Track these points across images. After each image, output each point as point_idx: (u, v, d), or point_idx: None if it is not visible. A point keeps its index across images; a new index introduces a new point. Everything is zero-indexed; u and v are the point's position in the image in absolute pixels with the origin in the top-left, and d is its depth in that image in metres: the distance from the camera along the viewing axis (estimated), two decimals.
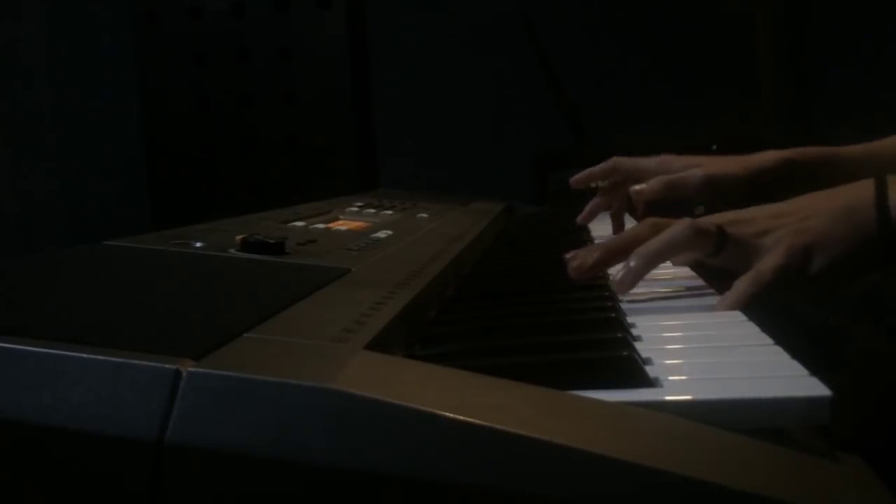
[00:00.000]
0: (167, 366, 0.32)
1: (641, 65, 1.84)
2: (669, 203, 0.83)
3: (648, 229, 0.60)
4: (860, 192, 0.59)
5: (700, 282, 0.64)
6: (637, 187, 0.87)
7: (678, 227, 0.59)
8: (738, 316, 0.51)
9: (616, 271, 0.60)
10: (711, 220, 0.62)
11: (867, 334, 0.61)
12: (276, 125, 1.68)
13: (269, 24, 1.66)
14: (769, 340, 0.44)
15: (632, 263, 0.59)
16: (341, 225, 0.84)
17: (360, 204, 1.02)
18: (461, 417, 0.30)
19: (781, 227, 0.60)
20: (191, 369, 0.31)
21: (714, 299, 0.58)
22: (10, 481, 0.32)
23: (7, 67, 2.12)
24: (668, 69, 1.83)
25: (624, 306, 0.56)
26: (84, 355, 0.32)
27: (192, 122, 1.73)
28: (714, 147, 1.39)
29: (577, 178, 0.97)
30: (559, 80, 1.79)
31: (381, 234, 0.77)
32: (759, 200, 0.66)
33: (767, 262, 0.58)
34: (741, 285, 0.57)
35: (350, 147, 1.66)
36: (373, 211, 0.96)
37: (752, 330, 0.47)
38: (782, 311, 0.67)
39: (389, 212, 0.97)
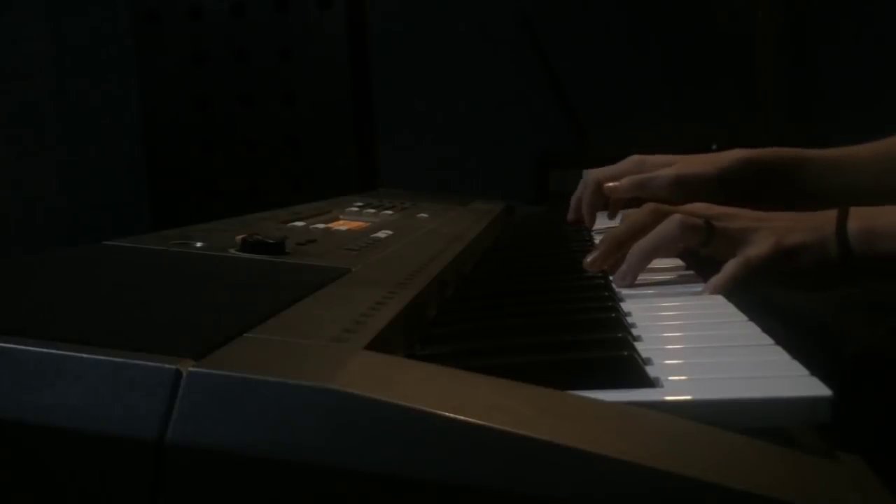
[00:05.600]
0: (167, 366, 0.32)
1: (642, 65, 1.84)
2: (640, 200, 0.85)
3: (648, 216, 0.67)
4: (829, 218, 0.65)
5: (701, 282, 0.64)
6: (610, 184, 0.94)
7: (669, 223, 0.65)
8: (739, 316, 0.51)
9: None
10: (699, 212, 0.68)
11: (867, 334, 0.62)
12: (276, 125, 1.68)
13: (269, 24, 1.66)
14: (769, 340, 0.44)
15: (631, 260, 0.65)
16: (341, 225, 0.84)
17: (360, 204, 1.02)
18: (461, 417, 0.30)
19: (766, 227, 0.65)
20: (191, 369, 0.31)
21: (716, 300, 0.58)
22: (11, 481, 0.32)
23: (7, 67, 2.12)
24: (668, 69, 1.83)
25: (624, 306, 0.56)
26: (84, 355, 0.32)
27: (192, 122, 1.73)
28: (714, 147, 1.39)
29: (571, 214, 1.04)
30: (560, 80, 1.79)
31: (381, 234, 0.77)
32: (730, 198, 0.73)
33: (755, 251, 0.63)
34: (729, 268, 0.63)
35: (350, 147, 1.66)
36: (373, 211, 0.96)
37: (752, 330, 0.47)
38: (783, 312, 0.67)
39: (389, 212, 0.97)
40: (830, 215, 0.65)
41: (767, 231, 0.65)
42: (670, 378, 0.39)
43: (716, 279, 0.63)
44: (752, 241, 0.65)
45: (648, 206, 0.69)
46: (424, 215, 0.98)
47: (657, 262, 0.69)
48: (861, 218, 0.64)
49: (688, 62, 1.82)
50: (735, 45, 1.80)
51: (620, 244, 0.66)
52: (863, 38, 1.72)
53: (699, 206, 0.71)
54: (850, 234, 0.63)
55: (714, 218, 0.67)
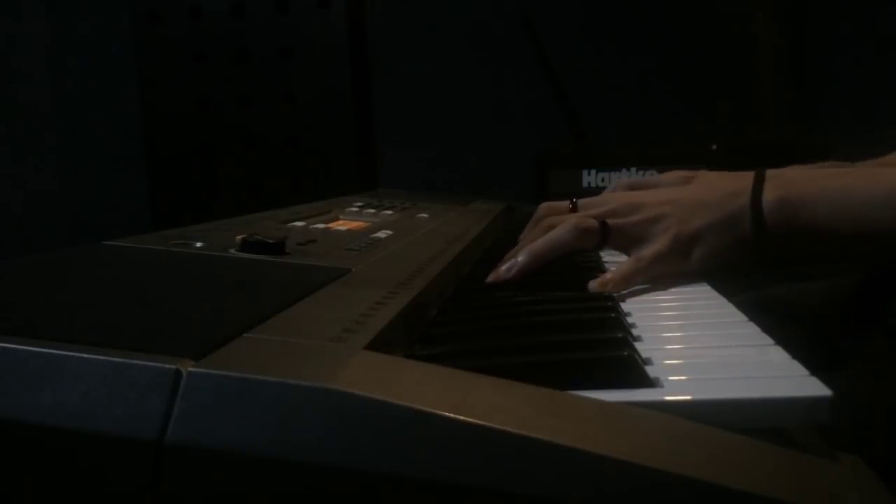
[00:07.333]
0: (167, 366, 0.32)
1: (641, 64, 1.84)
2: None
3: (543, 230, 0.66)
4: (741, 184, 0.62)
5: (702, 283, 0.64)
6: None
7: (561, 228, 0.64)
8: (739, 316, 0.51)
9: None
10: (596, 211, 0.66)
11: (867, 334, 0.61)
12: (276, 125, 1.68)
13: (269, 24, 1.66)
14: (769, 340, 0.44)
15: (519, 259, 0.64)
16: (341, 225, 0.84)
17: (360, 204, 1.02)
18: (461, 417, 0.30)
19: (667, 216, 0.63)
20: (191, 369, 0.31)
21: (716, 300, 0.58)
22: (10, 481, 0.32)
23: (7, 67, 2.12)
24: (668, 69, 1.83)
25: (624, 306, 0.56)
26: (84, 355, 0.32)
27: (192, 122, 1.73)
28: (714, 147, 1.39)
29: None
30: (559, 80, 1.79)
31: (381, 234, 0.77)
32: None
33: (649, 249, 0.62)
34: (622, 267, 0.62)
35: (350, 147, 1.66)
36: (373, 211, 0.96)
37: (752, 330, 0.47)
38: (783, 312, 0.67)
39: (389, 212, 0.97)
40: (746, 183, 0.61)
41: (667, 222, 0.63)
42: (670, 378, 0.39)
43: (604, 277, 0.62)
44: (648, 236, 0.63)
45: (543, 215, 0.69)
46: (424, 215, 0.98)
47: None
48: (778, 186, 0.60)
49: (688, 63, 1.82)
50: (735, 46, 1.80)
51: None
52: (863, 39, 1.72)
53: (606, 198, 0.69)
54: (765, 204, 0.60)
55: (613, 213, 0.65)
